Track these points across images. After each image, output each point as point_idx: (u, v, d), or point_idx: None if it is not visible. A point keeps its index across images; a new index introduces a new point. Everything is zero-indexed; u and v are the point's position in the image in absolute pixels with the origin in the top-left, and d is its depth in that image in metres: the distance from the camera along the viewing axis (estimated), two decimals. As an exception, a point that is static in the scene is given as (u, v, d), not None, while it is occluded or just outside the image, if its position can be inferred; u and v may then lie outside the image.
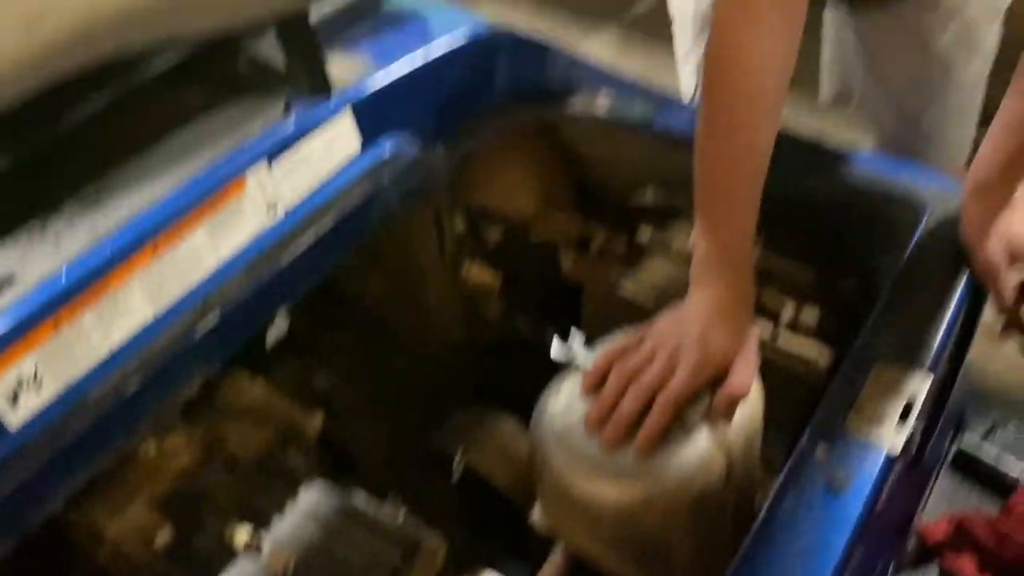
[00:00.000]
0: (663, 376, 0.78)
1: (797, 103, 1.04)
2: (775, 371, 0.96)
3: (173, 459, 0.89)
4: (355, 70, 0.98)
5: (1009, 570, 1.15)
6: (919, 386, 0.77)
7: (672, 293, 1.04)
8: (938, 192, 0.92)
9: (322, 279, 0.93)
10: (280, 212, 0.87)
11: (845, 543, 0.66)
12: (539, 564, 0.93)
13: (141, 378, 0.76)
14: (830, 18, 1.36)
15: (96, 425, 0.74)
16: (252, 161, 0.83)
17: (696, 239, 0.83)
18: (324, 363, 1.20)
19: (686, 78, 1.50)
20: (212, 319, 0.81)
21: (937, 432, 1.07)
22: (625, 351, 0.82)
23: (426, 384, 1.16)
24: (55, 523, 0.84)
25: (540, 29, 1.29)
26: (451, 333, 1.21)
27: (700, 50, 1.41)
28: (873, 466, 0.71)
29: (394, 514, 0.80)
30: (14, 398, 0.69)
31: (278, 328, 1.21)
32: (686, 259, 1.07)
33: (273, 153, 0.84)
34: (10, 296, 0.71)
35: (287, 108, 0.88)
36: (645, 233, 1.12)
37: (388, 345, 1.19)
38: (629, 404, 0.77)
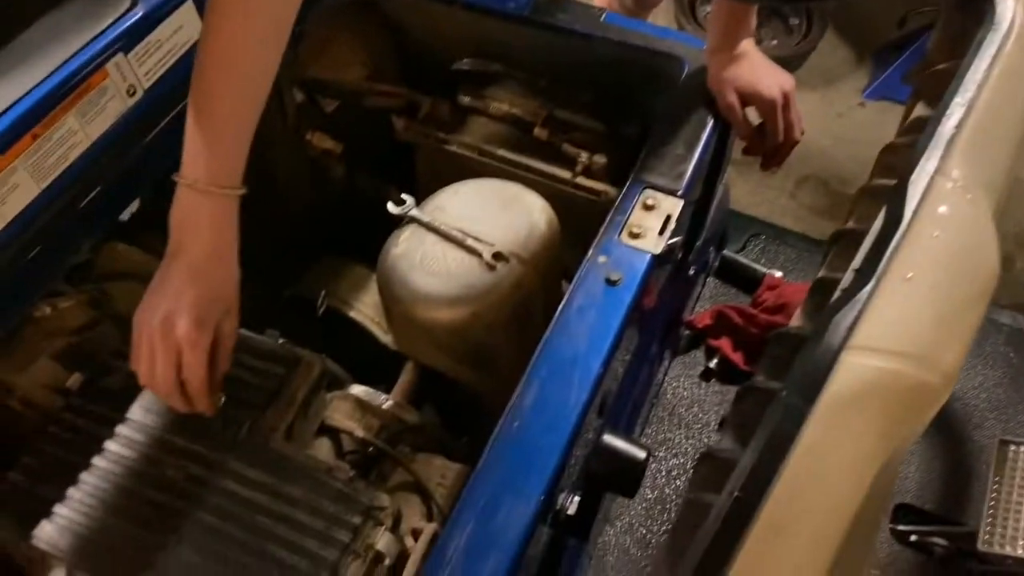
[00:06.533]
0: (173, 366, 0.78)
1: None
2: (575, 205, 1.18)
3: (68, 319, 1.01)
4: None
5: (755, 344, 1.49)
6: (674, 207, 1.00)
7: (490, 146, 1.23)
8: (693, 50, 1.14)
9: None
10: (139, 95, 0.98)
11: (619, 322, 0.90)
12: (395, 378, 1.14)
13: (38, 247, 0.89)
14: None
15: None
16: (109, 51, 0.93)
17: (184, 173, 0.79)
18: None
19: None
20: (93, 191, 0.94)
21: (701, 244, 1.34)
22: (136, 360, 0.80)
23: (285, 241, 1.31)
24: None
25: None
26: (301, 195, 1.35)
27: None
28: (639, 265, 0.94)
29: (273, 341, 0.97)
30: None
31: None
32: (501, 118, 1.26)
33: (127, 43, 0.94)
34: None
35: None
36: (465, 97, 1.29)
37: (244, 211, 1.31)
38: (173, 401, 0.81)
